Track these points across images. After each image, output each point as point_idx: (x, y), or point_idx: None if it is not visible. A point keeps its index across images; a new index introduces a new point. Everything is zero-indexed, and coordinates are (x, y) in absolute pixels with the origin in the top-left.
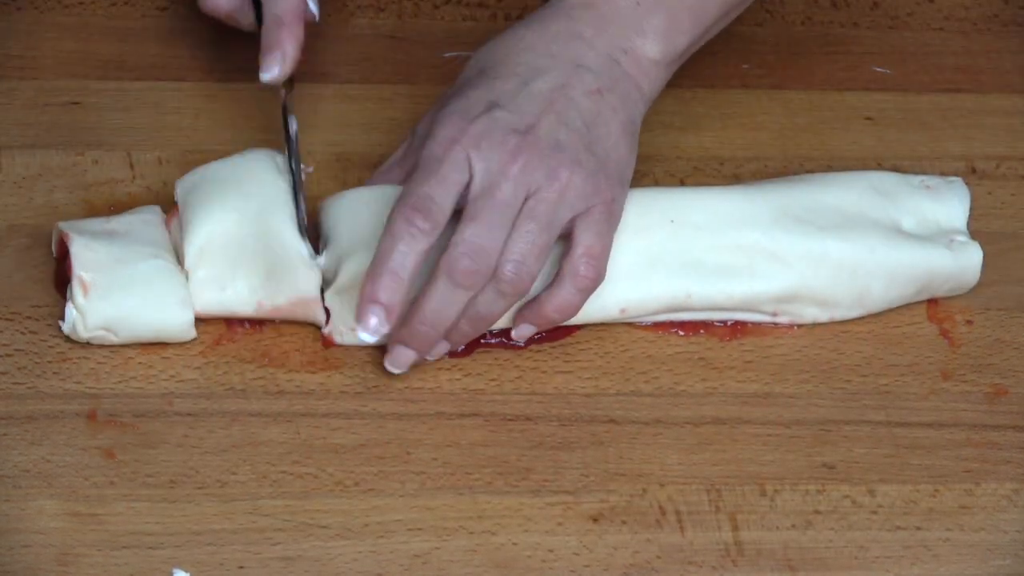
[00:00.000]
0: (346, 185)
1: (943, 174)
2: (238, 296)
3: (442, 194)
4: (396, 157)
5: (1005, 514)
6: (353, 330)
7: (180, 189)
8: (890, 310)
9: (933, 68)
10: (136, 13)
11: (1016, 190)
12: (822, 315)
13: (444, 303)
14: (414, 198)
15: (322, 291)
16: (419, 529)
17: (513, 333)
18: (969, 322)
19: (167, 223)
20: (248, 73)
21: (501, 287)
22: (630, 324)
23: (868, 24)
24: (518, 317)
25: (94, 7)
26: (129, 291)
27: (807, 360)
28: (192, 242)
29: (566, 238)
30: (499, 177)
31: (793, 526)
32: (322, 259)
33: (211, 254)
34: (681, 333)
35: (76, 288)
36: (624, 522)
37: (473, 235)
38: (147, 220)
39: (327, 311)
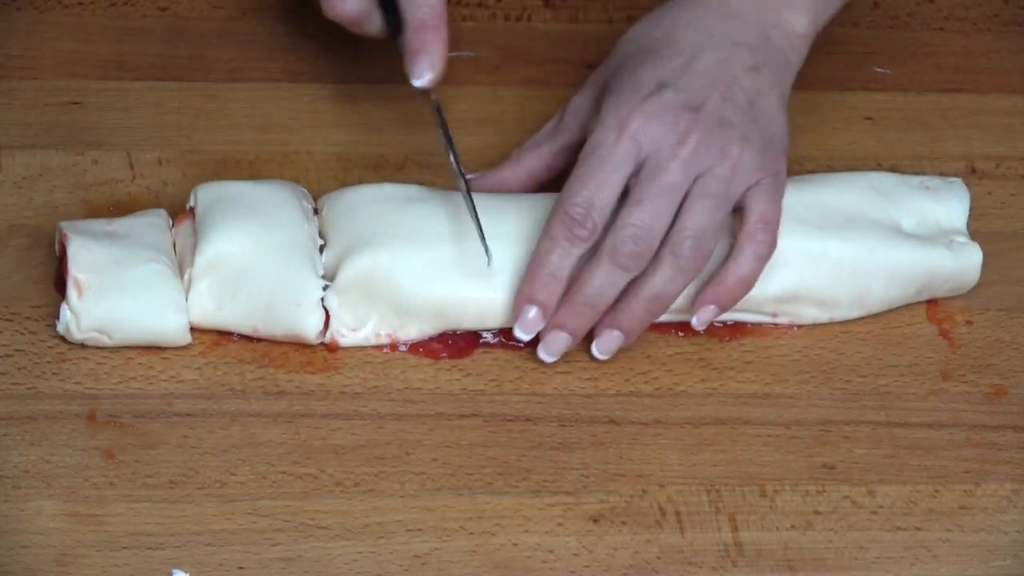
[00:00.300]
0: (346, 185)
1: (943, 174)
2: (235, 317)
3: (605, 197)
4: (546, 131)
5: (1005, 515)
6: (354, 330)
7: (201, 196)
8: (890, 310)
9: (933, 68)
10: (136, 13)
11: (1016, 190)
12: (822, 315)
13: (606, 284)
14: (576, 202)
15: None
16: (419, 530)
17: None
18: (969, 322)
19: (174, 227)
20: (248, 73)
21: (680, 263)
22: None
23: (868, 24)
24: (699, 301)
25: (94, 7)
26: (124, 294)
27: (807, 360)
28: (204, 252)
29: (736, 212)
30: (669, 159)
31: (793, 527)
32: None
33: (220, 269)
34: (681, 333)
35: (71, 289)
36: (624, 523)
37: (639, 218)
38: (151, 223)
39: (326, 312)
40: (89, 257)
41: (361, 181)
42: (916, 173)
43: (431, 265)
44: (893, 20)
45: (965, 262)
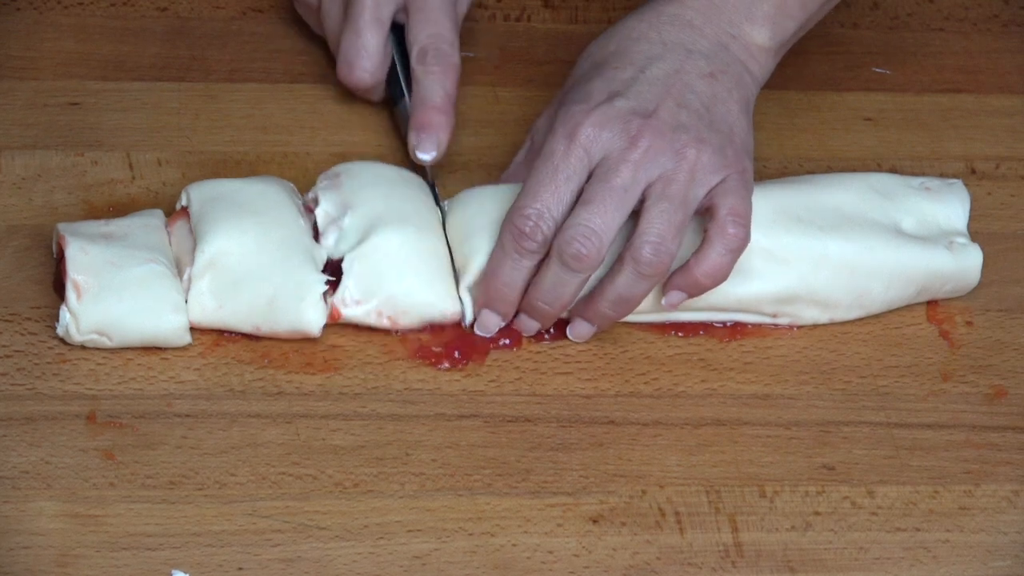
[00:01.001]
0: None
1: (943, 175)
2: (236, 315)
3: (556, 207)
4: (519, 159)
5: (1005, 515)
6: (358, 303)
7: (195, 195)
8: (890, 311)
9: (933, 68)
10: (136, 13)
11: (1016, 190)
12: (822, 316)
13: (557, 283)
14: (525, 214)
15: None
16: (418, 530)
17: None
18: (969, 323)
19: (169, 227)
20: (248, 73)
21: (641, 269)
22: (629, 325)
23: (868, 24)
24: (668, 284)
25: (94, 7)
26: (122, 295)
27: (807, 361)
28: (204, 251)
29: (705, 213)
30: (619, 162)
31: (793, 527)
32: (346, 220)
33: (219, 268)
34: (680, 334)
35: (70, 291)
36: (624, 523)
37: (585, 219)
38: (148, 224)
39: (338, 281)
40: (87, 259)
41: None
42: (916, 174)
43: (432, 261)
44: (893, 20)
45: (965, 263)
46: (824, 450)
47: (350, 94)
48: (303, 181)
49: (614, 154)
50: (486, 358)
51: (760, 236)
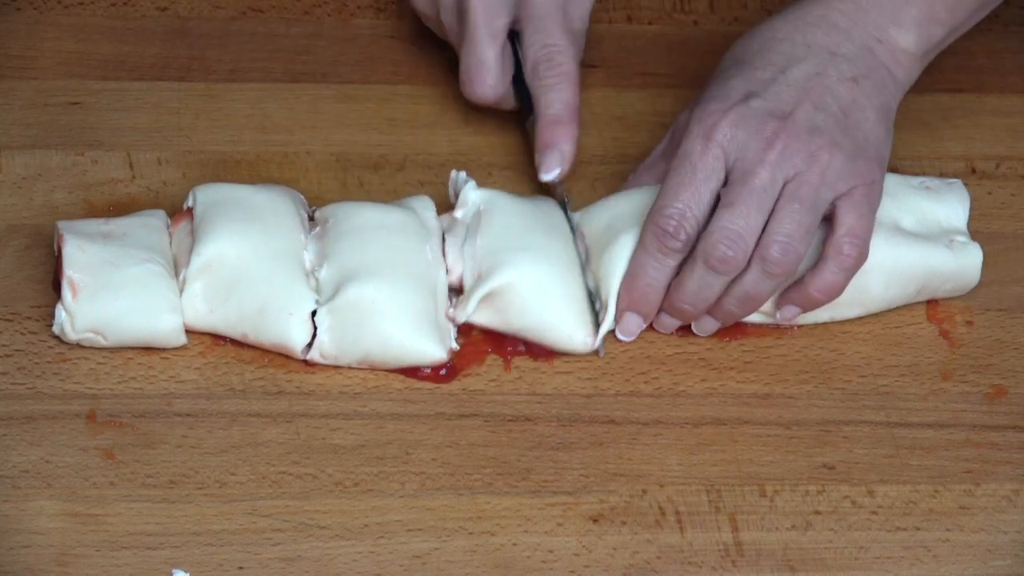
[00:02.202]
0: (346, 185)
1: (943, 174)
2: (226, 320)
3: (696, 206)
4: (659, 151)
5: (1005, 515)
6: (336, 358)
7: (201, 197)
8: (890, 311)
9: (933, 68)
10: (136, 13)
11: (1016, 190)
12: (822, 315)
13: (702, 285)
14: (667, 213)
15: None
16: (419, 530)
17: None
18: (969, 322)
19: (171, 227)
20: (248, 73)
21: (768, 267)
22: None
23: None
24: (782, 299)
25: (94, 7)
26: (118, 294)
27: (807, 360)
28: (201, 253)
29: (827, 220)
30: (756, 163)
31: (793, 527)
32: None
33: (214, 271)
34: (681, 334)
35: (66, 289)
36: (624, 523)
37: (730, 221)
38: (148, 224)
39: (314, 329)
40: (84, 258)
41: (361, 181)
42: (916, 173)
43: (410, 310)
44: None
45: (965, 262)
46: (824, 449)
47: (351, 93)
48: (303, 181)
49: (750, 155)
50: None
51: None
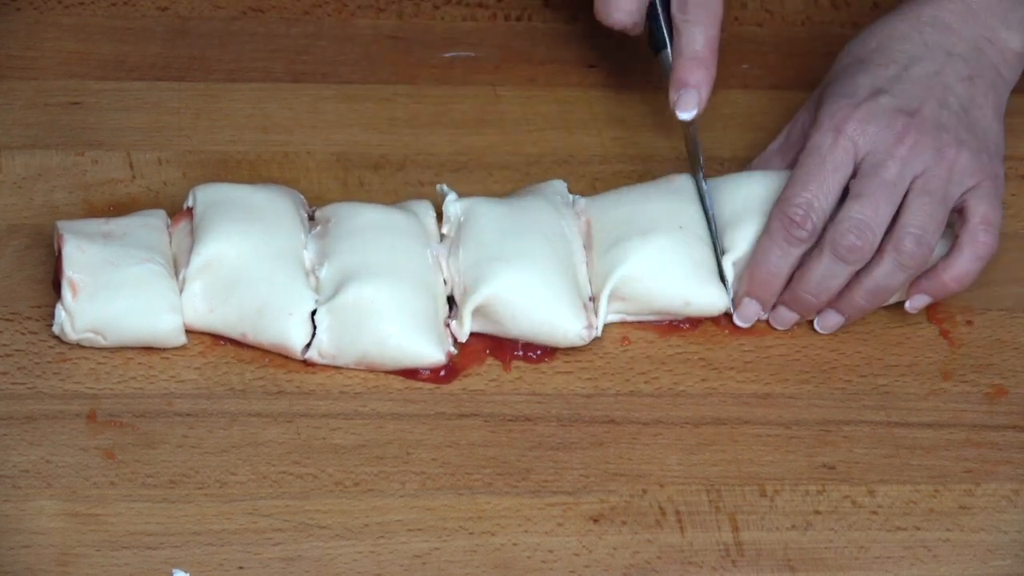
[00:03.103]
0: (346, 185)
1: None
2: (225, 320)
3: (824, 197)
4: (775, 145)
5: (1005, 514)
6: (335, 358)
7: (201, 197)
8: (890, 310)
9: None
10: (136, 13)
11: (1016, 190)
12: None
13: (827, 275)
14: (796, 203)
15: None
16: (419, 529)
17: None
18: (969, 322)
19: (171, 227)
20: (248, 73)
21: (901, 259)
22: (630, 324)
23: (868, 24)
24: (913, 288)
25: (94, 7)
26: (117, 294)
27: (807, 360)
28: (201, 253)
29: (957, 213)
30: (886, 157)
31: (793, 526)
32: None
33: (214, 272)
34: (680, 333)
35: (65, 289)
36: (624, 522)
37: (859, 212)
38: (149, 224)
39: (312, 328)
40: (83, 257)
41: (361, 181)
42: None
43: (409, 311)
44: None
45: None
46: (824, 449)
47: (351, 93)
48: (303, 181)
49: (880, 149)
50: (483, 364)
51: (757, 230)
